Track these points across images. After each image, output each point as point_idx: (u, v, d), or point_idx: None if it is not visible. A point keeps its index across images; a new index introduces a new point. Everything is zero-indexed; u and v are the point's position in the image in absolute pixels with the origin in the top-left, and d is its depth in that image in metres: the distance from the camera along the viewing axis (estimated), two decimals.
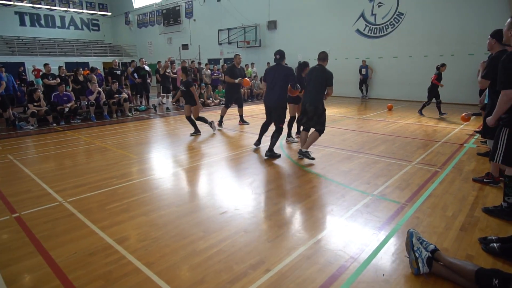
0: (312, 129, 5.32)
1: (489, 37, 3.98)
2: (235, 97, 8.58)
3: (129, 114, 10.57)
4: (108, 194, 4.01)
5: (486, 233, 2.99)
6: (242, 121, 8.88)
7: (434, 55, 12.93)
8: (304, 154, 5.19)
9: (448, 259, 2.36)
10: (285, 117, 5.56)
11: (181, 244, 2.84)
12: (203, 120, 7.51)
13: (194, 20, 22.56)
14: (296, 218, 3.33)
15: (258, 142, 6.16)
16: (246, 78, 8.38)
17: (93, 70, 11.09)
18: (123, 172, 4.87)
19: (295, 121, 6.80)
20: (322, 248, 2.77)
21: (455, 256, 2.62)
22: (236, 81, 8.15)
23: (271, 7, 17.89)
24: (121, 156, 5.74)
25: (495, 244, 2.68)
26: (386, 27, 14.04)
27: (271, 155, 5.46)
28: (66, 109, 9.16)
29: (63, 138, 7.42)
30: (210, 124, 7.65)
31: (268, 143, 5.58)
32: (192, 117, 7.41)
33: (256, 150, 6.01)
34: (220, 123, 8.39)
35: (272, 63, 5.75)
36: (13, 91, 9.32)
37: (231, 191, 4.08)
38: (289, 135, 6.80)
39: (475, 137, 6.84)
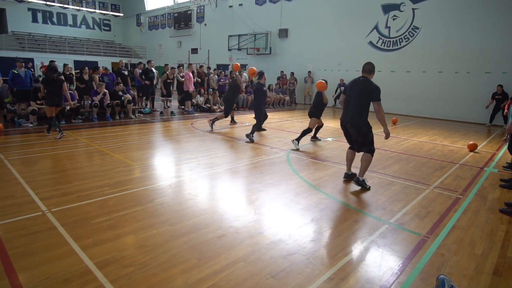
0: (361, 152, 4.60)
1: None
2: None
3: (132, 116, 10.28)
4: (97, 205, 3.65)
5: None
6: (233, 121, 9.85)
7: (449, 72, 12.54)
8: (361, 184, 4.41)
9: None
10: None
11: (171, 273, 2.46)
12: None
13: (205, 24, 22.43)
14: (303, 247, 2.93)
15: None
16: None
17: (95, 69, 10.82)
18: (117, 180, 4.52)
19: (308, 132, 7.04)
20: None
21: None
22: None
23: (283, 15, 17.66)
24: (118, 162, 5.41)
25: None
26: (400, 40, 13.69)
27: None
28: (67, 108, 8.88)
29: (61, 138, 7.11)
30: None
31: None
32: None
33: (263, 160, 5.64)
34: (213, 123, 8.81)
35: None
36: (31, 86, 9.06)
37: (232, 210, 3.70)
38: (298, 139, 6.85)
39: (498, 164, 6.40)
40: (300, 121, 11.19)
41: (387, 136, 4.48)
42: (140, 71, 11.82)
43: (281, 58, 18.18)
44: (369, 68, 4.43)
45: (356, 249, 2.94)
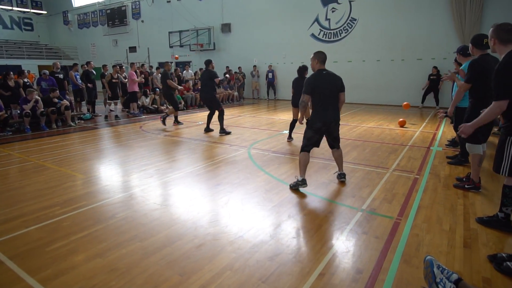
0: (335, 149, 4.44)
1: (469, 44, 3.90)
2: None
3: (72, 124, 9.37)
4: (49, 229, 3.21)
5: (491, 249, 2.78)
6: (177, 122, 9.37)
7: (386, 60, 13.39)
8: (344, 176, 4.43)
9: None
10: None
11: None
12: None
13: (142, 21, 21.28)
14: (287, 246, 2.86)
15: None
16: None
17: (20, 74, 9.67)
18: (68, 197, 4.03)
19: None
20: (327, 285, 2.33)
21: (473, 283, 2.34)
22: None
23: (225, 10, 17.40)
24: (64, 176, 4.85)
25: (509, 263, 2.45)
26: (340, 32, 14.28)
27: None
28: None
29: None
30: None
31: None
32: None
33: (224, 159, 5.46)
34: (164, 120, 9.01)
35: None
36: None
37: (205, 216, 3.50)
38: (290, 136, 7.03)
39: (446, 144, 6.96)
40: (252, 115, 11.14)
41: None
42: (77, 73, 10.82)
43: (226, 54, 17.95)
44: (325, 57, 4.25)
45: (338, 241, 2.94)
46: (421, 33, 12.42)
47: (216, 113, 7.93)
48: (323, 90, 4.08)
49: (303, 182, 4.11)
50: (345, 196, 3.95)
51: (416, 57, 12.71)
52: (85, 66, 11.31)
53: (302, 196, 3.98)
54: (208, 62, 7.89)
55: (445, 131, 7.93)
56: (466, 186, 4.12)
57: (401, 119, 8.71)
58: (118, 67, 11.28)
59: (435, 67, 11.87)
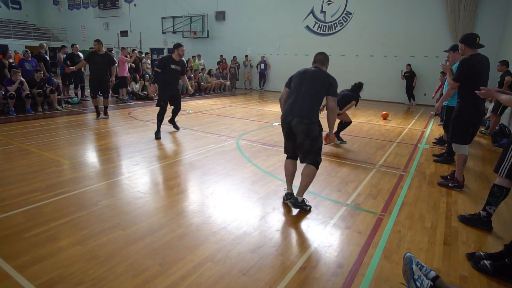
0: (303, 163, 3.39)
1: (459, 43, 3.91)
2: (97, 87, 7.94)
3: (58, 108, 9.16)
4: (29, 214, 3.14)
5: (469, 247, 2.84)
6: (105, 113, 8.19)
7: (379, 55, 13.41)
8: (300, 206, 3.35)
9: (452, 287, 2.08)
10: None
11: (133, 285, 2.20)
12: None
13: (135, 5, 20.78)
14: (270, 239, 2.86)
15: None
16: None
17: (4, 54, 9.37)
18: (50, 182, 3.95)
19: None
20: (308, 278, 2.34)
21: (451, 280, 2.38)
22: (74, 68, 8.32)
23: None
24: (48, 161, 4.74)
25: (486, 262, 2.50)
26: (335, 25, 14.21)
27: None
28: None
29: None
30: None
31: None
32: None
33: (212, 149, 5.42)
34: (98, 114, 8.13)
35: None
36: None
37: (189, 206, 3.47)
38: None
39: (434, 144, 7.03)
40: (243, 106, 11.08)
41: (331, 140, 3.77)
42: (64, 55, 10.54)
43: (220, 42, 17.72)
44: (321, 59, 3.54)
45: (321, 234, 2.95)
46: (415, 30, 12.45)
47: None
48: (299, 80, 3.38)
49: (286, 196, 3.48)
50: (330, 191, 3.97)
51: (409, 54, 12.75)
52: (66, 48, 10.98)
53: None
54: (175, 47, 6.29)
55: (433, 129, 8.02)
56: (450, 184, 4.18)
57: (384, 112, 9.43)
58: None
59: (408, 65, 12.09)
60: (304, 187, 3.33)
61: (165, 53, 18.76)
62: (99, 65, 7.64)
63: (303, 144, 3.24)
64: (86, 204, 3.41)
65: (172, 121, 6.97)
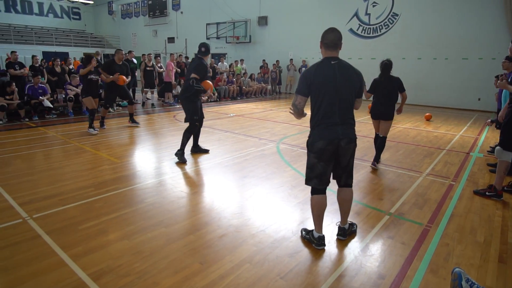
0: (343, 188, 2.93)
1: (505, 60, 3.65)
2: (115, 96, 7.79)
3: (111, 110, 9.81)
4: (83, 208, 3.40)
5: None
6: (132, 121, 7.93)
7: (428, 58, 12.74)
8: (351, 232, 2.99)
9: None
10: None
11: (174, 281, 2.29)
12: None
13: (182, 12, 21.70)
14: (308, 245, 2.82)
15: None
16: (122, 76, 7.16)
17: (65, 61, 10.24)
18: (102, 179, 4.25)
19: None
20: (346, 287, 2.28)
21: None
22: (110, 77, 7.06)
23: (262, 2, 17.31)
24: (100, 160, 5.10)
25: None
26: (380, 27, 13.74)
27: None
28: (45, 102, 8.33)
29: (35, 135, 6.66)
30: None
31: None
32: None
33: (252, 152, 5.48)
34: (102, 124, 7.49)
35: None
36: None
37: (229, 207, 3.54)
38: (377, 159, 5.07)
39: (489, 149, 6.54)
40: (284, 110, 11.06)
41: None
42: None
43: (261, 47, 17.90)
44: (334, 40, 2.59)
45: (362, 243, 2.86)
46: (468, 31, 11.65)
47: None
48: (327, 89, 2.58)
49: (319, 242, 2.74)
50: (373, 198, 3.83)
51: (462, 56, 11.96)
52: (126, 54, 11.71)
53: (328, 194, 3.90)
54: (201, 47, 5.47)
55: (488, 136, 7.44)
56: (487, 193, 3.88)
57: (427, 114, 9.63)
58: (151, 55, 11.58)
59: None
60: (347, 214, 2.92)
61: (209, 58, 19.31)
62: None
63: (348, 164, 2.78)
64: (133, 201, 3.62)
65: (196, 145, 5.64)
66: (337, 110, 2.60)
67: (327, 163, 2.68)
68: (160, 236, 2.89)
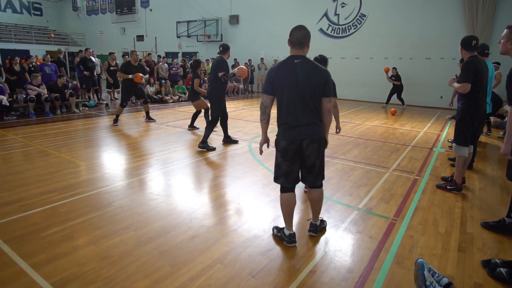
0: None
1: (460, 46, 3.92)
2: (131, 95, 8.23)
3: (76, 111, 9.41)
4: (46, 214, 3.24)
5: (485, 253, 2.76)
6: (149, 118, 8.34)
7: (394, 58, 13.21)
8: (321, 228, 3.04)
9: None
10: None
11: (143, 285, 2.24)
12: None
13: (151, 10, 21.17)
14: (279, 243, 2.85)
15: None
16: (140, 74, 7.60)
17: (28, 58, 9.72)
18: (66, 183, 4.06)
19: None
20: (317, 283, 2.33)
21: (464, 287, 2.32)
22: (130, 76, 7.45)
23: (233, 1, 17.24)
24: (65, 163, 4.88)
25: (502, 270, 2.42)
26: (349, 27, 14.10)
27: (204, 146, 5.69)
28: (4, 101, 7.86)
29: None
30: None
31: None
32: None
33: (224, 151, 5.46)
34: (116, 120, 7.88)
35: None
36: None
37: (200, 208, 3.50)
38: None
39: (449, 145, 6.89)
40: (256, 109, 11.09)
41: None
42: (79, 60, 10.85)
43: (233, 46, 17.68)
44: (300, 38, 2.59)
45: (332, 238, 2.93)
46: (431, 31, 12.20)
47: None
48: (289, 88, 2.56)
49: (290, 239, 2.77)
50: (342, 195, 3.93)
51: (425, 56, 12.52)
52: (83, 53, 11.21)
53: (299, 192, 3.97)
54: (225, 49, 5.70)
55: (450, 132, 7.84)
56: (448, 187, 4.11)
57: (392, 109, 10.31)
58: (114, 54, 11.20)
59: (394, 68, 11.77)
60: (318, 212, 2.96)
61: (180, 57, 19.02)
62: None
63: (314, 164, 2.70)
64: (100, 205, 3.49)
65: (228, 136, 6.36)
66: (300, 110, 2.57)
67: (291, 162, 2.68)
68: (129, 239, 2.81)
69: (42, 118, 8.39)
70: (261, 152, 2.95)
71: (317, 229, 2.98)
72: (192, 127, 7.50)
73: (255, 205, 3.58)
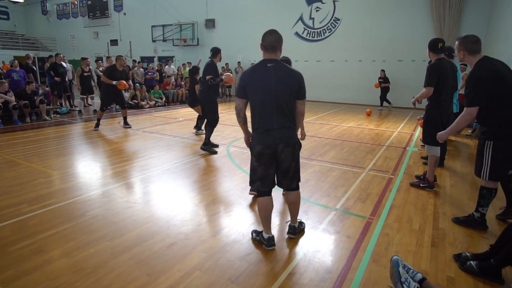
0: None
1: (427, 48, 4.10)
2: (111, 99, 8.01)
3: (47, 118, 9.06)
4: (14, 227, 3.09)
5: (457, 248, 2.87)
6: (126, 124, 8.15)
7: (368, 60, 13.58)
8: (300, 230, 3.08)
9: None
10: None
11: None
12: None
13: (124, 14, 20.77)
14: (258, 246, 2.85)
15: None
16: (123, 81, 7.51)
17: None
18: (37, 194, 3.90)
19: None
20: (296, 285, 2.34)
21: (438, 282, 2.40)
22: (114, 82, 7.39)
23: (209, 5, 17.21)
24: (35, 173, 4.68)
25: (472, 263, 2.52)
26: (324, 31, 14.37)
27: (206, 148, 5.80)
28: None
29: None
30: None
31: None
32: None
33: (202, 156, 5.42)
34: (97, 125, 7.86)
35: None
36: None
37: (178, 215, 3.45)
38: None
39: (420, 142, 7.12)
40: (233, 112, 11.07)
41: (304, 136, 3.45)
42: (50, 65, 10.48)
43: (210, 49, 17.74)
44: (272, 42, 2.59)
45: (310, 240, 2.96)
46: (402, 35, 12.65)
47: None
48: (262, 91, 2.57)
49: (269, 242, 2.76)
50: (320, 196, 3.98)
51: (397, 58, 12.94)
52: (53, 58, 10.82)
53: (277, 194, 3.98)
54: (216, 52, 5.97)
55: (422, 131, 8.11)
56: (421, 184, 4.26)
57: (367, 110, 10.71)
58: (88, 60, 10.89)
59: (382, 70, 12.16)
60: (296, 214, 2.97)
61: (156, 61, 18.74)
62: (118, 80, 7.48)
63: (289, 168, 2.70)
64: (73, 215, 3.37)
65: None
66: (274, 114, 2.57)
67: (267, 166, 2.68)
68: (104, 250, 2.73)
69: (10, 127, 8.03)
70: (248, 146, 2.86)
71: (296, 231, 3.00)
72: (198, 128, 7.62)
73: (233, 210, 3.56)
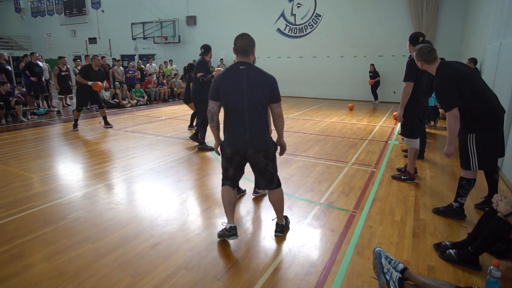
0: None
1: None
2: (86, 99, 7.84)
3: (24, 119, 8.77)
4: None
5: (437, 237, 2.95)
6: (106, 124, 8.01)
7: (349, 56, 13.75)
8: (287, 228, 3.06)
9: (420, 278, 2.16)
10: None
11: None
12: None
13: (103, 11, 20.27)
14: (245, 242, 2.86)
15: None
16: (99, 82, 7.43)
17: None
18: (14, 198, 3.78)
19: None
20: (282, 280, 2.36)
21: (419, 271, 2.47)
22: (89, 83, 7.29)
23: (190, 2, 17.00)
24: (12, 176, 4.53)
25: (451, 251, 2.61)
26: (306, 27, 14.45)
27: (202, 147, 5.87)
28: None
29: None
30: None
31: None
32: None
33: (186, 155, 5.37)
34: (75, 125, 7.74)
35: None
36: None
37: (162, 214, 3.41)
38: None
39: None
40: None
41: (284, 150, 2.94)
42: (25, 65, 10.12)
43: (192, 47, 17.56)
44: (244, 46, 2.60)
45: (295, 235, 2.98)
46: (382, 30, 12.86)
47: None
48: (234, 94, 2.55)
49: (230, 232, 2.72)
50: (304, 191, 4.02)
51: (378, 54, 13.15)
52: (28, 57, 10.47)
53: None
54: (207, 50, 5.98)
55: None
56: (402, 177, 4.37)
57: (349, 104, 11.01)
58: (65, 59, 10.58)
59: (372, 65, 12.45)
60: (281, 212, 2.95)
61: (136, 59, 18.40)
62: (93, 80, 7.36)
63: (266, 169, 2.69)
64: (53, 218, 3.28)
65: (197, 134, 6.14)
66: (246, 117, 2.56)
67: (236, 169, 2.75)
68: (86, 253, 2.67)
69: None
70: (218, 153, 2.85)
71: (284, 229, 2.99)
72: (192, 126, 7.61)
73: (218, 208, 3.55)
